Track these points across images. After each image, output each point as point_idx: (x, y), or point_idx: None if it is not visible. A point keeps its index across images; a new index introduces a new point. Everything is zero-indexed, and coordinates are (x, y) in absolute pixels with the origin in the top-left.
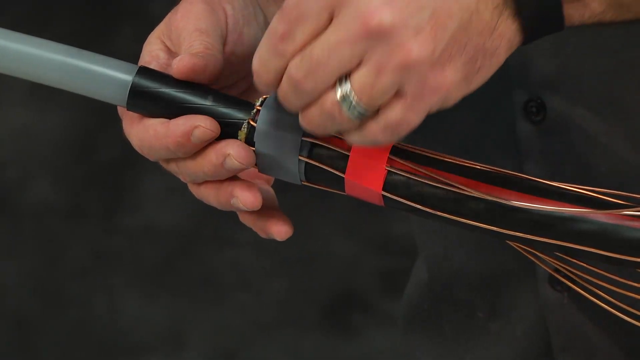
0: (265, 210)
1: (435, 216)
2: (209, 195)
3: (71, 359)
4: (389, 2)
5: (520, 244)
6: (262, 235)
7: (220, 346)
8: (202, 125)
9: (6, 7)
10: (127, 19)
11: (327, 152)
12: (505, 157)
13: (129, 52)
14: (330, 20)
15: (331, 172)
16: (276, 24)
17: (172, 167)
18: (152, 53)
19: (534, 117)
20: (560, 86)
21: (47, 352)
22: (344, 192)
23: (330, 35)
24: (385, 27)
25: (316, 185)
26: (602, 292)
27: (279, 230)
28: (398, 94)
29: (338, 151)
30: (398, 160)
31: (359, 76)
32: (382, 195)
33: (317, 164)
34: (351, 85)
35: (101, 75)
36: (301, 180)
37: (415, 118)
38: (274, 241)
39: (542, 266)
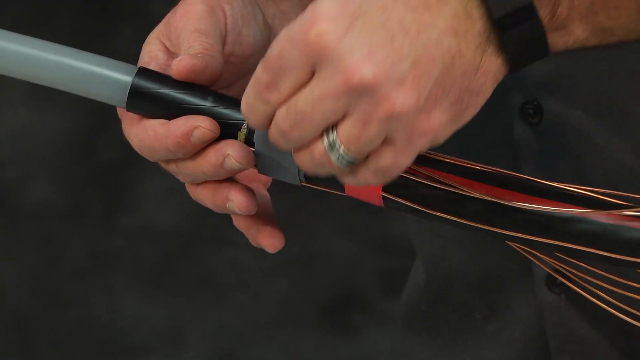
0: (259, 217)
1: (434, 217)
2: (205, 197)
3: (71, 359)
4: (368, 56)
5: (519, 244)
6: (253, 244)
7: (220, 346)
8: (201, 126)
9: (6, 7)
10: (127, 19)
11: None
12: (502, 159)
13: (129, 52)
14: (312, 73)
15: None
16: (260, 73)
17: (171, 168)
18: (152, 54)
19: (530, 120)
20: (557, 88)
21: (47, 352)
22: (344, 192)
23: (314, 89)
24: (367, 82)
25: (316, 185)
26: (601, 292)
27: (270, 242)
28: (386, 141)
29: None
30: None
31: (345, 128)
32: (382, 195)
33: None
34: (338, 136)
35: (100, 76)
36: (301, 181)
37: (406, 161)
38: None
39: (542, 266)
